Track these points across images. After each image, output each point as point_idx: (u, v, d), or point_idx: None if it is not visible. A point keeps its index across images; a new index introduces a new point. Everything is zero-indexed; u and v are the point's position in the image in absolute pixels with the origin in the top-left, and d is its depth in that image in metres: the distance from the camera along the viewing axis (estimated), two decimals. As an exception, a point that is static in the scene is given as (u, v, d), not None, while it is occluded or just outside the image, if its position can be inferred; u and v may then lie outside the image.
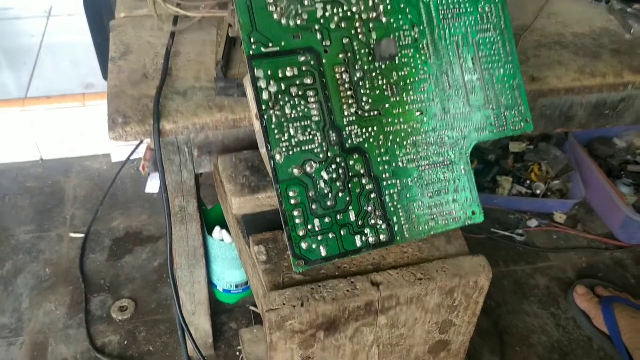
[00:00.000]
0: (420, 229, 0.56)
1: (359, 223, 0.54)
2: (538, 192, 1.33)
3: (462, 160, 0.58)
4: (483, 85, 0.59)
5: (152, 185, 1.38)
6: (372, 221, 0.54)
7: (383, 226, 0.55)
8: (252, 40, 0.51)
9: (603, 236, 1.28)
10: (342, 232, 0.53)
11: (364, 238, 0.54)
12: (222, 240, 0.91)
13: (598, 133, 1.43)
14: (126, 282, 1.15)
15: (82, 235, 1.24)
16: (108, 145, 1.44)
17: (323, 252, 0.53)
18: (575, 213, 1.34)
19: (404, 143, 0.56)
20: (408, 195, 0.56)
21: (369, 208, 0.54)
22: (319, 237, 0.52)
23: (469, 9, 0.58)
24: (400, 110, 0.56)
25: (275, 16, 0.52)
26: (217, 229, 0.91)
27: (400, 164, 0.56)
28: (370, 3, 0.55)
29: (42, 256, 1.19)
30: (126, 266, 1.18)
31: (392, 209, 0.55)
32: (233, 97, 0.66)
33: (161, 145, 0.65)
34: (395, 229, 0.55)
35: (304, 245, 0.52)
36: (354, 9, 0.54)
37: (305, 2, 0.53)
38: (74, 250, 1.21)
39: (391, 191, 0.55)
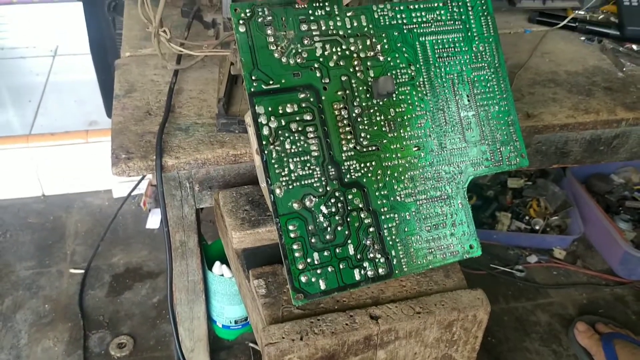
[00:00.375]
0: (419, 262, 0.57)
1: (358, 257, 0.54)
2: (537, 228, 1.34)
3: (459, 195, 0.59)
4: (479, 122, 0.60)
5: (153, 221, 1.39)
6: (371, 255, 0.55)
7: (382, 260, 0.55)
8: (253, 78, 0.52)
9: (603, 272, 1.28)
10: (341, 266, 0.54)
11: (362, 272, 0.55)
12: (222, 275, 0.91)
13: (595, 170, 1.45)
14: (125, 318, 1.14)
15: (82, 271, 1.24)
16: (110, 182, 1.45)
17: (322, 286, 0.53)
18: (575, 249, 1.34)
19: (402, 178, 0.57)
20: (406, 230, 0.57)
21: (368, 242, 0.55)
22: (318, 271, 0.53)
23: (463, 48, 0.60)
24: (397, 145, 0.57)
25: (276, 55, 0.53)
26: (217, 264, 0.92)
27: (398, 198, 0.57)
28: (368, 42, 0.57)
29: (42, 292, 1.19)
30: (125, 302, 1.18)
31: (390, 242, 0.56)
32: (234, 133, 0.67)
33: (163, 181, 0.66)
34: (394, 262, 0.56)
35: (303, 278, 0.52)
36: (352, 48, 0.56)
37: (305, 42, 0.54)
38: (73, 286, 1.20)
39: (389, 225, 0.56)
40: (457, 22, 0.60)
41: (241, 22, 0.53)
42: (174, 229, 0.73)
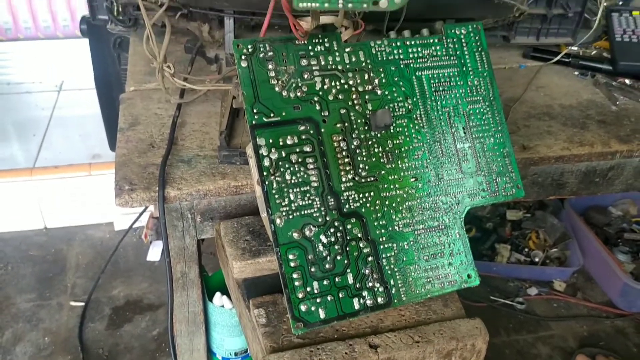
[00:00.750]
0: (417, 292, 0.58)
1: (357, 286, 0.55)
2: (537, 260, 1.34)
3: (457, 225, 0.60)
4: (475, 153, 0.62)
5: (154, 253, 1.39)
6: (370, 284, 0.56)
7: (380, 289, 0.56)
8: (254, 111, 0.54)
9: (603, 304, 1.28)
10: (340, 295, 0.54)
11: (362, 301, 0.55)
12: (223, 306, 0.91)
13: (593, 202, 1.46)
14: (125, 351, 1.14)
15: (82, 303, 1.24)
16: (112, 214, 1.47)
17: (322, 315, 0.54)
18: (575, 281, 1.34)
19: (400, 208, 0.58)
20: (405, 259, 0.57)
21: (367, 271, 0.56)
22: (318, 300, 0.53)
23: (459, 82, 0.62)
24: (395, 176, 0.58)
25: (276, 89, 0.55)
26: (217, 295, 0.92)
27: (396, 228, 0.58)
28: (366, 77, 0.58)
29: (42, 325, 1.19)
30: (125, 335, 1.17)
31: (389, 272, 0.57)
32: (236, 165, 0.68)
33: (165, 212, 0.67)
34: (393, 292, 0.56)
35: (303, 307, 0.53)
36: (350, 82, 0.58)
37: (305, 76, 0.56)
38: (73, 319, 1.20)
39: (388, 255, 0.57)
40: (452, 58, 0.62)
41: (243, 57, 0.54)
42: (176, 259, 0.74)
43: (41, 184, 1.40)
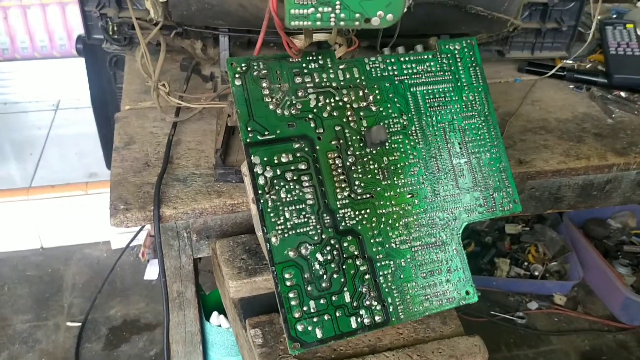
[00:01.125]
0: (415, 309, 0.57)
1: (354, 304, 0.54)
2: (536, 273, 1.33)
3: (454, 241, 0.60)
4: (471, 169, 0.62)
5: (151, 272, 1.38)
6: (367, 302, 0.55)
7: (378, 307, 0.55)
8: (249, 129, 0.54)
9: (605, 318, 1.27)
10: (337, 314, 0.54)
11: (359, 319, 0.54)
12: (220, 325, 0.90)
13: (592, 214, 1.45)
14: (122, 372, 1.13)
15: (79, 324, 1.23)
16: (109, 233, 1.46)
17: (319, 334, 0.53)
18: (575, 294, 1.33)
19: (397, 225, 0.58)
20: (402, 276, 0.57)
21: (364, 289, 0.55)
22: (315, 319, 0.53)
23: (454, 98, 0.62)
24: (391, 193, 0.58)
25: (271, 106, 0.55)
26: (214, 314, 0.91)
27: (393, 245, 0.57)
28: (361, 93, 0.58)
29: (39, 346, 1.18)
30: (122, 356, 1.16)
31: (386, 290, 0.56)
32: (231, 183, 0.68)
33: (161, 231, 0.66)
34: (390, 310, 0.56)
35: (299, 327, 0.52)
36: (345, 99, 0.58)
37: (299, 93, 0.56)
38: (70, 340, 1.19)
39: (385, 272, 0.56)
40: (446, 73, 0.62)
41: (237, 75, 0.54)
42: (172, 279, 0.73)
43: (38, 204, 1.40)
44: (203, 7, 0.71)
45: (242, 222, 0.71)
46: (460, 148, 0.61)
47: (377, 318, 0.55)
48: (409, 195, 0.59)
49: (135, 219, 0.64)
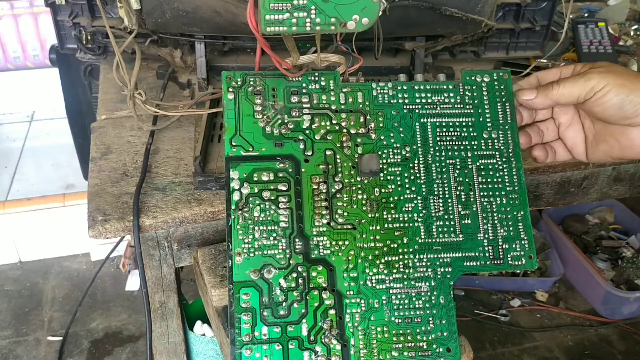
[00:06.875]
0: (380, 357, 0.51)
1: (311, 338, 0.50)
2: (518, 271, 1.35)
3: (443, 290, 0.54)
4: (480, 213, 0.55)
5: (133, 282, 1.37)
6: (326, 339, 0.50)
7: (337, 347, 0.50)
8: (233, 143, 0.52)
9: (586, 312, 1.29)
10: (290, 346, 0.50)
11: (313, 356, 0.50)
12: (204, 335, 0.89)
13: (570, 211, 1.47)
14: (105, 385, 1.11)
15: (60, 338, 1.21)
16: (88, 245, 1.44)
17: (265, 363, 0.49)
18: (557, 290, 1.35)
19: (376, 262, 0.53)
20: (372, 318, 0.52)
21: (325, 325, 0.51)
22: (264, 347, 0.49)
23: (472, 134, 0.56)
24: (377, 227, 0.53)
25: (260, 124, 0.53)
26: (198, 323, 0.90)
27: (368, 283, 0.52)
28: (362, 119, 0.55)
29: (19, 362, 1.16)
30: (105, 368, 1.15)
31: (351, 330, 0.51)
32: (212, 190, 0.68)
33: (141, 241, 0.66)
34: (351, 352, 0.51)
35: (246, 352, 0.49)
36: (343, 124, 0.54)
37: (293, 113, 0.53)
38: (51, 354, 1.17)
39: (353, 310, 0.51)
40: (467, 106, 0.56)
41: (230, 89, 0.53)
42: (153, 289, 0.72)
43: (14, 217, 1.37)
44: (177, 14, 0.70)
45: (223, 230, 0.70)
46: (471, 189, 0.55)
47: (333, 359, 0.50)
48: (398, 233, 0.53)
49: (114, 230, 0.63)
